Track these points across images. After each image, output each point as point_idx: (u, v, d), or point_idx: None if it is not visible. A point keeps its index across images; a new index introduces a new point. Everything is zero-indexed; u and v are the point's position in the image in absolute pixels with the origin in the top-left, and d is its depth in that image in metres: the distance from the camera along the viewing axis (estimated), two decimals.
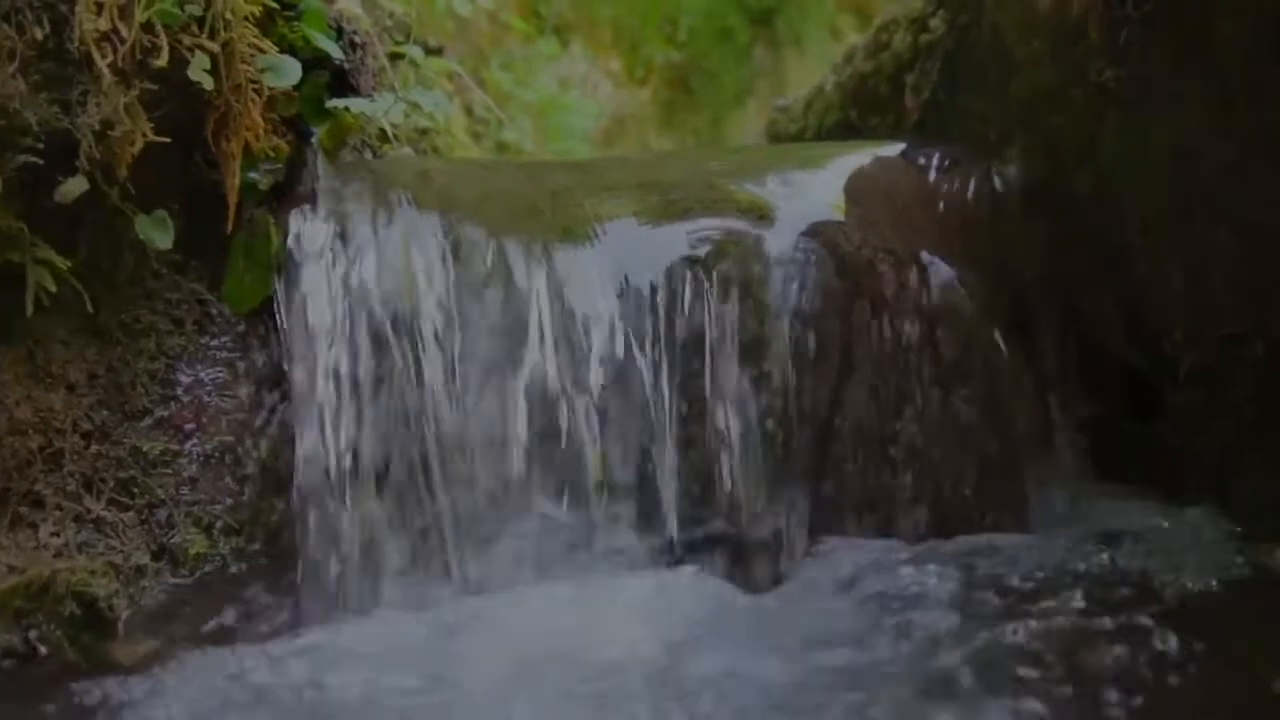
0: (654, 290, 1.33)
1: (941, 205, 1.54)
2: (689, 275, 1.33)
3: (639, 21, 4.88)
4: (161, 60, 1.03)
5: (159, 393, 1.22)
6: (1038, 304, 1.48)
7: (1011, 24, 1.56)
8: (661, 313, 1.32)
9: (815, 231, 1.38)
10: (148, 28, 1.03)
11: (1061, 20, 1.39)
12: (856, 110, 2.08)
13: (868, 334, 1.34)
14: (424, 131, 1.88)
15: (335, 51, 1.35)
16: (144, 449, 1.16)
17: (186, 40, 1.07)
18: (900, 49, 1.94)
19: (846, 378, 1.33)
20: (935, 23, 1.83)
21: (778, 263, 1.34)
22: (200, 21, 1.09)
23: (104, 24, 0.97)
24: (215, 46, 1.08)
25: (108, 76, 0.99)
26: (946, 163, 1.61)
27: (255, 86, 1.20)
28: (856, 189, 1.50)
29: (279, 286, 1.29)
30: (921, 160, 1.62)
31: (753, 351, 1.31)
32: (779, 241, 1.36)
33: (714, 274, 1.33)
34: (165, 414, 1.22)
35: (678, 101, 4.98)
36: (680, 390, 1.30)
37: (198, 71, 1.08)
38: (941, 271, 1.39)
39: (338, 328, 1.28)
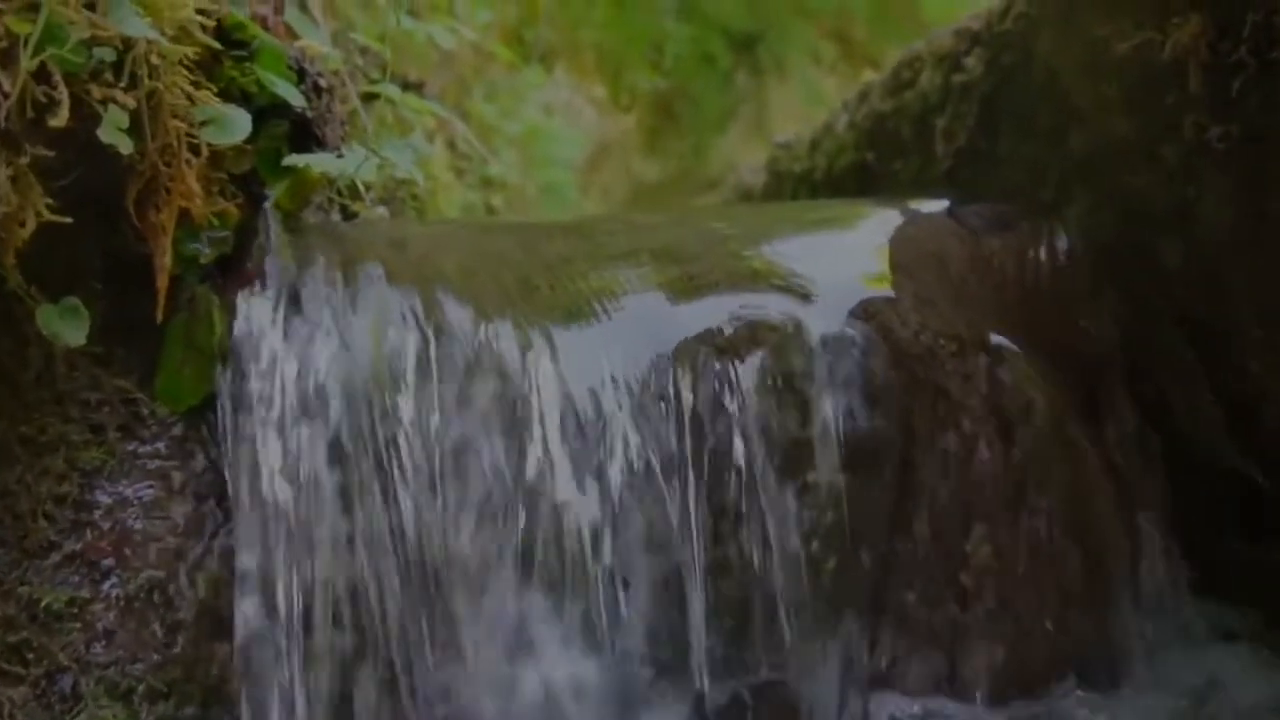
0: (676, 385, 1.09)
1: (998, 275, 1.32)
2: (718, 366, 1.09)
3: (623, 47, 4.72)
4: (59, 119, 0.78)
5: (69, 520, 0.97)
6: (1111, 392, 1.26)
7: (1074, 67, 1.34)
8: (686, 412, 1.08)
9: (865, 312, 1.14)
10: (42, 77, 0.78)
11: (1146, 65, 1.17)
12: (874, 153, 1.87)
13: (930, 436, 1.11)
14: (402, 180, 1.64)
15: (295, 99, 1.10)
16: (44, 601, 0.90)
17: (97, 92, 0.82)
18: (927, 89, 1.72)
19: (906, 490, 1.09)
20: (971, 61, 1.61)
21: (822, 351, 1.11)
22: (117, 68, 0.85)
23: None
24: (131, 101, 0.83)
25: None
26: (1000, 223, 1.38)
27: (192, 144, 0.95)
28: (903, 256, 1.27)
29: (223, 382, 1.04)
30: (973, 220, 1.39)
31: (795, 459, 1.07)
32: (822, 325, 1.13)
33: (748, 365, 1.10)
34: (76, 547, 0.96)
35: (661, 128, 4.85)
36: (709, 506, 1.06)
37: (111, 132, 0.83)
38: (1013, 360, 1.16)
39: (292, 433, 1.03)
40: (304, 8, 1.50)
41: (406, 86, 1.99)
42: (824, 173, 2.06)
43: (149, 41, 0.85)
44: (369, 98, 1.62)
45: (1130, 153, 1.23)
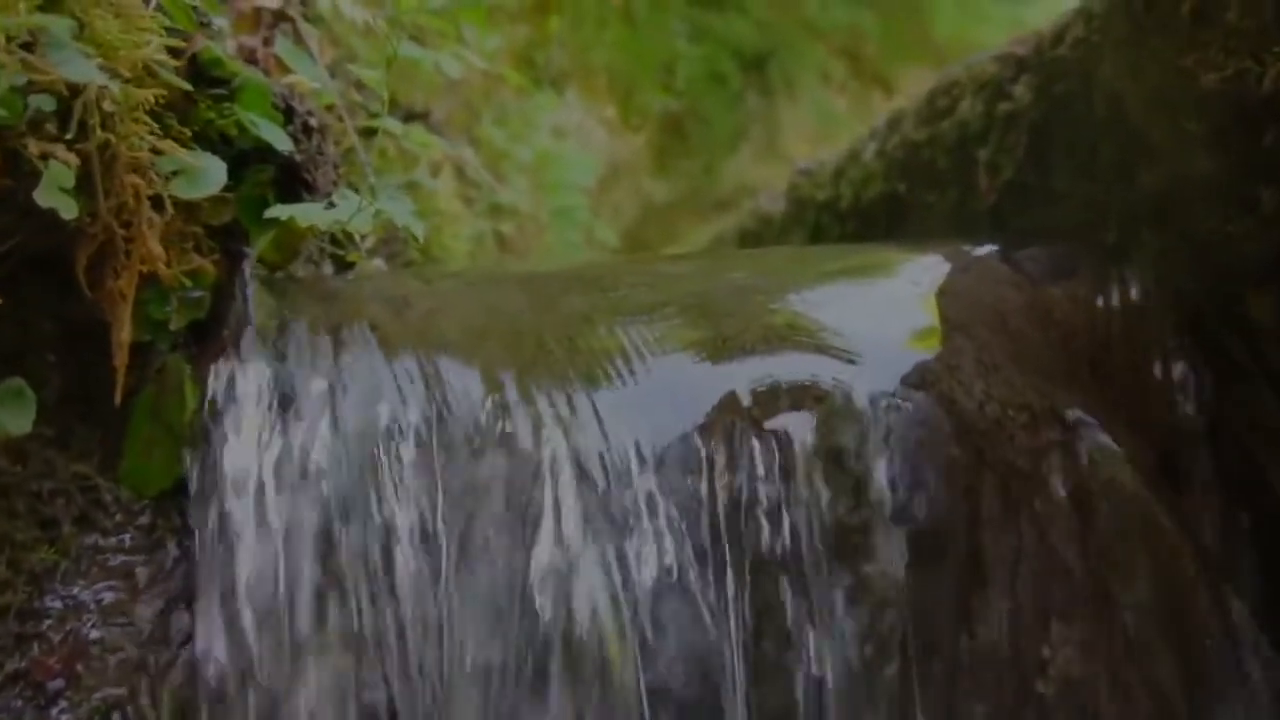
0: (711, 463, 0.95)
1: (1061, 328, 1.17)
2: (757, 442, 0.95)
3: (634, 68, 4.63)
4: None
5: (12, 634, 0.83)
6: (1193, 462, 1.11)
7: (1145, 97, 1.20)
8: (722, 494, 0.94)
9: (922, 379, 1.00)
10: None
11: (1238, 98, 1.03)
12: (906, 184, 1.73)
13: (1000, 522, 0.96)
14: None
15: (281, 142, 0.97)
16: None
17: (34, 147, 0.68)
18: (968, 117, 1.58)
19: (975, 583, 0.95)
20: (1019, 89, 1.47)
21: (875, 424, 0.97)
22: (62, 118, 0.71)
23: None
24: (75, 156, 0.70)
25: None
26: (1061, 269, 1.24)
27: (155, 200, 0.82)
28: (957, 311, 1.12)
29: (192, 468, 0.91)
30: (1029, 265, 1.25)
31: (847, 547, 0.93)
32: (873, 392, 0.99)
33: (791, 440, 0.95)
34: (20, 666, 0.82)
35: (672, 148, 4.76)
36: (750, 603, 0.92)
37: (51, 193, 0.69)
38: (1089, 431, 1.01)
39: (273, 523, 0.89)
40: (298, 39, 1.38)
41: (411, 117, 1.86)
42: (850, 202, 1.93)
43: (100, 87, 0.72)
44: (369, 132, 1.49)
45: (1216, 195, 1.09)
